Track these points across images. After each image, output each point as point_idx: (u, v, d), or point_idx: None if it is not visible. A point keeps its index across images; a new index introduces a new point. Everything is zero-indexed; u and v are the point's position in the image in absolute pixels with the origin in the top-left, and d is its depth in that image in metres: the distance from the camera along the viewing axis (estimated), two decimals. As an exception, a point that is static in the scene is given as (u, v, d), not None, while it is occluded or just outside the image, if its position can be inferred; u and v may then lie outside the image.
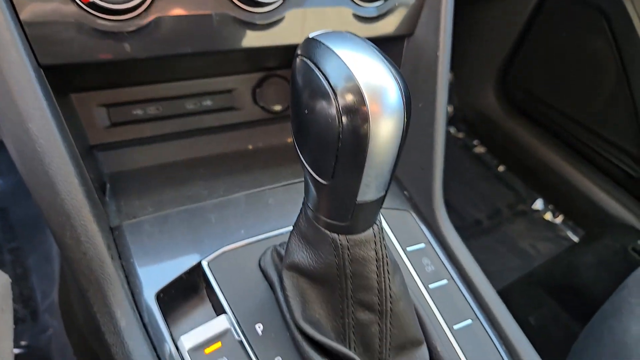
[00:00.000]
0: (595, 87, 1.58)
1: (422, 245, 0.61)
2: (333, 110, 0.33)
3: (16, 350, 1.03)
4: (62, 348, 1.01)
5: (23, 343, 1.04)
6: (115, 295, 0.46)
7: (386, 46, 0.64)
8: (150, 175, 0.68)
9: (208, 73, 0.71)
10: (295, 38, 0.54)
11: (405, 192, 0.69)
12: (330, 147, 0.35)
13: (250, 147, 0.81)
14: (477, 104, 1.95)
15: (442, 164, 0.64)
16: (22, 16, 0.40)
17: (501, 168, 2.01)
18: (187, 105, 0.74)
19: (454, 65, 2.09)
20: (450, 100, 2.13)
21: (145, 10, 0.44)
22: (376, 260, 0.44)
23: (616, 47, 1.46)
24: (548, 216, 1.87)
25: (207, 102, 0.75)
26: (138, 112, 0.70)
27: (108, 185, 0.61)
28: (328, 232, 0.42)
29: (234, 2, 0.49)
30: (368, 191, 0.39)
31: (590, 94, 1.61)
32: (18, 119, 0.41)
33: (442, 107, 0.62)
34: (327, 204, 0.40)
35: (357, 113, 0.33)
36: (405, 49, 0.64)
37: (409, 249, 0.60)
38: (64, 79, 0.53)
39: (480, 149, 2.06)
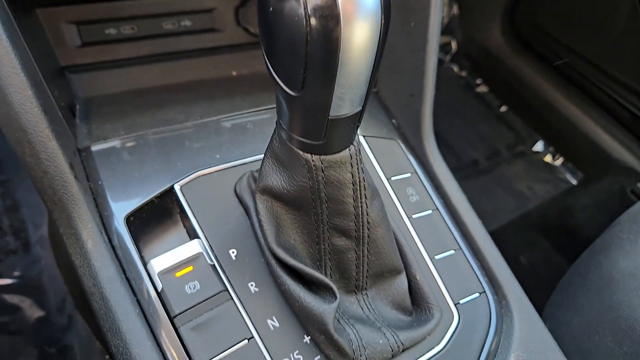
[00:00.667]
0: (607, 21, 1.50)
1: (407, 174, 0.59)
2: (300, 10, 0.30)
3: (9, 281, 1.04)
4: (53, 279, 1.03)
5: (16, 274, 1.06)
6: (81, 216, 0.45)
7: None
8: (125, 100, 0.65)
9: None
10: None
11: (394, 121, 0.65)
12: (298, 52, 0.32)
13: (234, 73, 0.76)
14: (482, 39, 1.87)
15: (432, 91, 0.60)
16: None
17: (503, 108, 1.96)
18: (164, 25, 0.69)
19: (460, -2, 1.99)
20: (453, 35, 2.03)
21: None
22: (352, 184, 0.42)
23: (633, -24, 1.37)
24: (548, 158, 1.84)
25: (186, 22, 0.70)
26: (111, 31, 0.65)
27: (78, 107, 0.58)
28: (301, 152, 0.40)
29: None
30: (342, 104, 0.35)
31: (601, 29, 1.53)
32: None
33: (435, 28, 0.57)
34: (299, 119, 0.37)
35: (327, 13, 0.29)
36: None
37: (393, 178, 0.58)
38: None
39: (482, 88, 2.00)
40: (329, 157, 0.40)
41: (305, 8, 0.30)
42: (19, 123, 0.41)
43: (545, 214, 1.66)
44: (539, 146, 1.87)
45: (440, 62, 2.04)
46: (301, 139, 0.39)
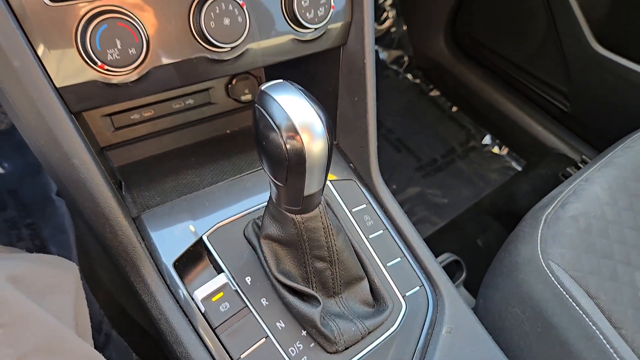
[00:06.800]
0: (529, 33, 1.74)
1: (363, 205, 0.82)
2: (280, 141, 0.51)
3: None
4: (88, 305, 1.22)
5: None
6: (145, 268, 0.66)
7: (327, 55, 0.81)
8: (150, 166, 0.86)
9: None
10: (257, 63, 0.70)
11: (351, 165, 0.88)
12: (282, 164, 0.54)
13: (227, 131, 0.98)
14: (430, 52, 2.10)
15: (375, 143, 0.83)
16: (56, 83, 0.56)
17: (454, 109, 2.20)
18: (174, 106, 0.90)
19: (407, 18, 2.22)
20: (405, 50, 2.27)
21: (143, 66, 0.60)
22: (323, 228, 0.65)
23: (545, -3, 1.62)
24: (496, 150, 2.09)
25: (190, 101, 0.91)
26: (135, 116, 0.86)
27: (123, 183, 0.78)
28: (288, 214, 0.62)
29: (205, 47, 0.64)
30: (311, 187, 0.58)
31: (525, 39, 1.78)
32: (62, 154, 0.58)
33: (372, 101, 0.79)
34: (285, 197, 0.59)
35: (295, 141, 0.51)
36: (342, 55, 0.80)
37: (353, 209, 0.81)
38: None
39: (435, 93, 2.24)
40: (306, 215, 0.62)
41: (283, 140, 0.51)
42: (103, 213, 0.62)
43: (495, 201, 1.92)
44: (487, 140, 2.12)
45: (396, 73, 2.28)
46: (287, 206, 0.61)
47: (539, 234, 0.86)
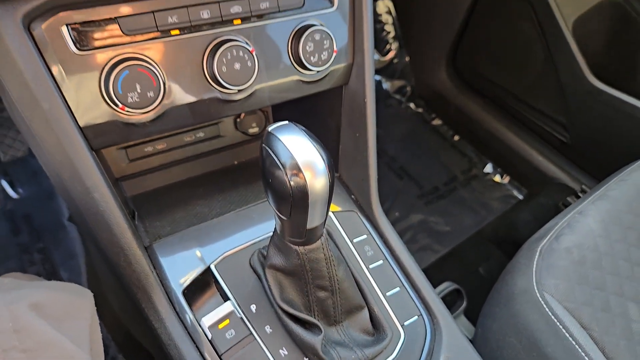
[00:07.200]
0: (527, 65, 1.80)
1: (364, 236, 0.85)
2: (285, 178, 0.56)
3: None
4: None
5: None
6: (156, 295, 0.69)
7: (331, 93, 0.86)
8: (161, 195, 0.90)
9: None
10: (264, 103, 0.76)
11: (352, 196, 0.92)
12: (287, 199, 0.58)
13: (235, 162, 1.03)
14: (432, 82, 2.17)
15: (375, 176, 0.87)
16: (80, 123, 0.61)
17: (456, 137, 2.25)
18: (185, 138, 0.95)
19: (410, 50, 2.29)
20: (408, 80, 2.34)
21: (160, 107, 0.65)
22: (325, 259, 0.68)
23: (542, 32, 1.68)
24: (497, 178, 2.13)
25: (200, 134, 0.96)
26: (149, 148, 0.91)
27: (136, 213, 0.83)
28: (292, 245, 0.66)
29: (217, 89, 0.69)
30: (313, 221, 0.62)
31: (523, 72, 1.83)
32: (84, 188, 0.63)
33: (372, 136, 0.84)
34: (289, 230, 0.63)
35: (299, 179, 0.55)
36: (344, 93, 0.85)
37: (355, 240, 0.84)
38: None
39: (437, 121, 2.29)
40: (309, 247, 0.66)
41: (287, 178, 0.56)
42: (119, 244, 0.66)
43: (497, 229, 1.94)
44: (488, 168, 2.16)
45: (399, 102, 2.34)
46: (291, 238, 0.65)
47: (534, 265, 0.89)
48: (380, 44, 2.31)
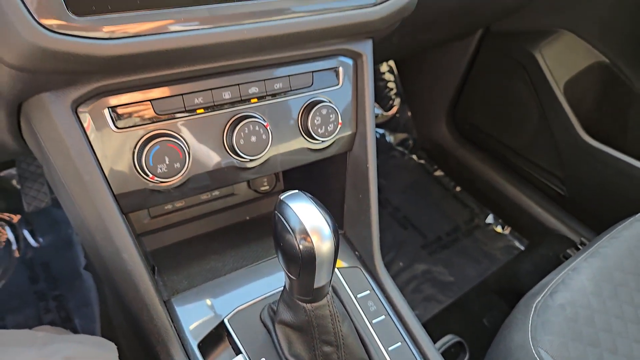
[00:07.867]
0: (523, 121, 1.90)
1: (367, 292, 0.91)
2: (295, 242, 0.62)
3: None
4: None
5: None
6: (174, 348, 0.74)
7: (336, 158, 0.94)
8: (178, 250, 0.97)
9: None
10: (276, 169, 0.84)
11: (356, 253, 0.98)
12: (296, 261, 0.64)
13: (247, 217, 1.10)
14: (433, 135, 2.27)
15: (377, 234, 0.93)
16: (115, 191, 0.69)
17: (458, 188, 2.32)
18: (202, 197, 1.03)
19: (411, 105, 2.41)
20: (410, 133, 2.44)
21: (184, 175, 0.73)
22: (330, 316, 0.74)
23: (535, 92, 1.78)
24: (499, 229, 2.18)
25: (216, 193, 1.04)
26: (169, 206, 0.99)
27: (156, 268, 0.89)
28: (300, 303, 0.72)
29: (234, 158, 0.77)
30: (320, 281, 0.68)
31: (520, 127, 1.93)
32: (114, 249, 0.70)
33: (374, 198, 0.91)
34: (297, 289, 0.69)
35: (307, 242, 0.62)
36: (348, 158, 0.94)
37: (358, 295, 0.90)
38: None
39: (439, 173, 2.38)
40: (315, 304, 0.72)
41: (297, 241, 0.62)
42: (143, 300, 0.72)
43: (500, 279, 1.98)
44: (490, 219, 2.21)
45: (402, 154, 2.43)
46: (299, 296, 0.71)
47: (530, 321, 0.94)
48: (383, 100, 2.44)
